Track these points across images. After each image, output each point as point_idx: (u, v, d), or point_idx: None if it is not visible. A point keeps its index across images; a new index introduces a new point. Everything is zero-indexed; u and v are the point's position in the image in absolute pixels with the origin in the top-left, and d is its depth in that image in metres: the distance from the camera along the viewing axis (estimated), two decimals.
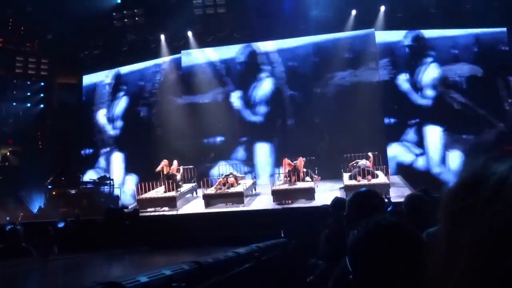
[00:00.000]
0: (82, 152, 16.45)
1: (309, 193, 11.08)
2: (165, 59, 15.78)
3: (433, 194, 4.14)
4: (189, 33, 15.11)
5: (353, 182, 11.17)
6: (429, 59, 14.16)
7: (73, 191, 13.84)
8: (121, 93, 16.42)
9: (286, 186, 11.64)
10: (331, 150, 13.82)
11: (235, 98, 15.24)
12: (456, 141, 13.58)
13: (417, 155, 13.91)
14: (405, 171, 13.30)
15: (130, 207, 11.41)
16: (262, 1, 14.36)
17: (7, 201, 13.39)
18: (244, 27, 14.86)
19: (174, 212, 11.30)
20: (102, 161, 16.24)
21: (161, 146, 15.25)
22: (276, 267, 4.41)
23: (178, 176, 12.55)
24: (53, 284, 2.75)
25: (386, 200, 5.15)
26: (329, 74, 14.52)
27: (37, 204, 14.24)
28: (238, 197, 11.35)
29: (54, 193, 13.73)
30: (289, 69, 14.99)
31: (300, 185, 11.54)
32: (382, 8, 13.96)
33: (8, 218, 11.41)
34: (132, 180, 15.44)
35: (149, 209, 11.52)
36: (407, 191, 9.62)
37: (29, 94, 16.22)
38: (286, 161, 12.13)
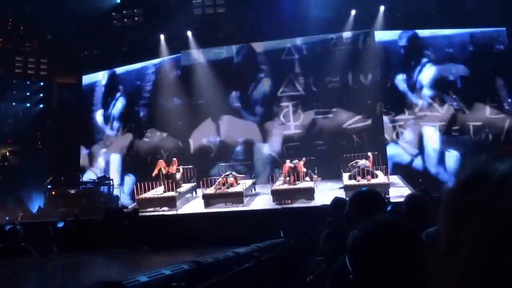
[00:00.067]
0: (82, 152, 16.42)
1: (309, 193, 11.09)
2: (163, 59, 15.75)
3: (432, 194, 4.15)
4: (189, 33, 15.10)
5: (353, 182, 11.18)
6: (424, 59, 14.12)
7: (72, 191, 13.85)
8: (118, 94, 16.36)
9: (285, 186, 11.65)
10: (331, 150, 13.83)
11: (234, 98, 15.21)
12: (452, 141, 13.55)
13: (414, 156, 13.86)
14: (402, 170, 13.26)
15: (129, 207, 11.41)
16: (262, 1, 14.33)
17: (6, 201, 13.38)
18: (244, 27, 14.83)
19: (174, 212, 11.30)
20: (101, 161, 16.22)
21: (159, 146, 15.26)
22: (276, 267, 4.41)
23: (178, 175, 12.54)
24: (52, 284, 2.75)
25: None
26: (327, 74, 14.49)
27: (36, 204, 14.23)
28: (238, 197, 11.35)
29: (53, 193, 13.73)
30: (289, 68, 14.96)
31: (299, 185, 11.54)
32: (382, 8, 13.95)
33: (7, 218, 11.41)
34: (130, 180, 15.43)
35: (148, 209, 11.52)
36: (406, 191, 9.63)
37: (28, 94, 16.21)
38: (287, 164, 12.12)
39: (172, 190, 11.78)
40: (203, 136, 15.23)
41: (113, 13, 15.15)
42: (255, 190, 12.93)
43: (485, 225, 0.54)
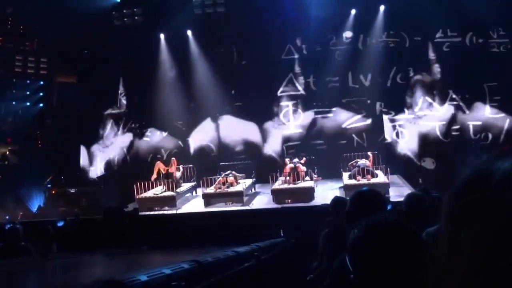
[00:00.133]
0: (81, 151, 16.40)
1: (309, 193, 11.09)
2: (164, 58, 15.71)
3: (432, 194, 4.15)
4: (189, 33, 15.08)
5: (353, 181, 11.18)
6: (424, 59, 14.12)
7: (72, 190, 13.85)
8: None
9: (285, 186, 11.64)
10: (331, 150, 13.83)
11: (234, 98, 15.17)
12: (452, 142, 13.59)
13: (414, 155, 13.87)
14: (402, 170, 13.26)
15: (129, 206, 11.41)
16: (262, 1, 14.32)
17: (6, 200, 13.39)
18: (244, 26, 14.81)
19: (174, 211, 11.30)
20: (100, 161, 16.19)
21: (159, 146, 15.24)
22: (276, 266, 4.41)
23: (178, 174, 12.53)
24: (52, 283, 2.75)
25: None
26: (326, 74, 14.48)
27: (36, 203, 14.24)
28: (238, 196, 11.35)
29: (53, 192, 13.75)
30: (289, 68, 14.95)
31: (299, 184, 11.54)
32: (382, 8, 13.94)
33: (7, 217, 11.42)
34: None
35: (148, 208, 11.51)
36: (406, 191, 9.63)
37: (28, 93, 16.20)
38: (287, 164, 12.11)
39: (172, 190, 11.78)
40: (203, 136, 15.21)
41: (113, 12, 15.13)
42: (255, 189, 12.93)
43: (485, 225, 0.53)
